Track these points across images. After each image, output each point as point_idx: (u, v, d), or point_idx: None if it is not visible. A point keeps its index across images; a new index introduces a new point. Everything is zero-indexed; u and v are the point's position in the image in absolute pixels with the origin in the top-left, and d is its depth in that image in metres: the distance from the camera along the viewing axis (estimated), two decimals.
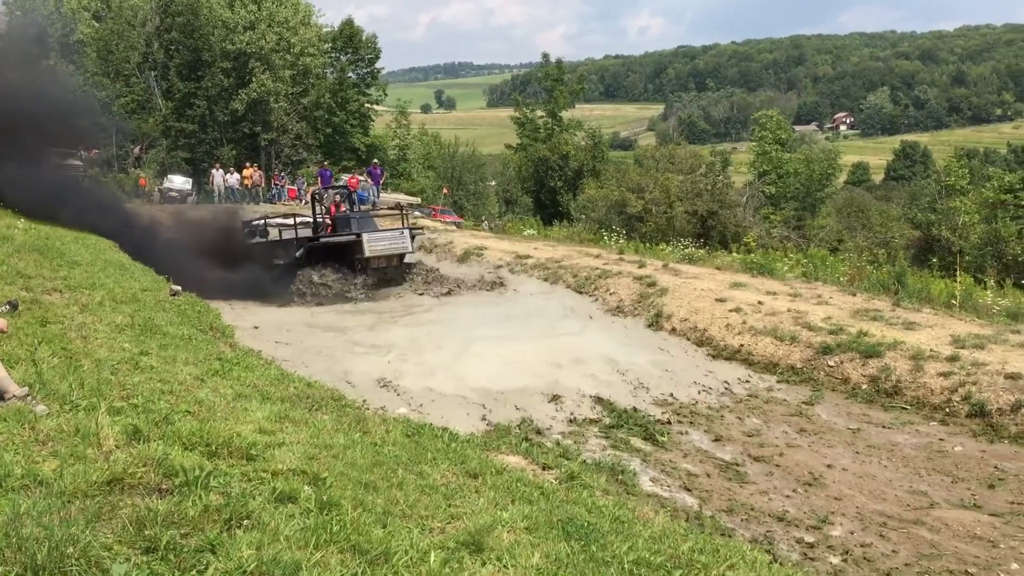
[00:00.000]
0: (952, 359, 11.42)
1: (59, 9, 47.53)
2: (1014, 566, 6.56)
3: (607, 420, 10.21)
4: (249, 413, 5.56)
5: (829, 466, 8.92)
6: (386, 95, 55.64)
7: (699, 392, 11.71)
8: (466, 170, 60.90)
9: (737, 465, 8.94)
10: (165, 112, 45.41)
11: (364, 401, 8.72)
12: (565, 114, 55.69)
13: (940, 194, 35.62)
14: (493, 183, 65.17)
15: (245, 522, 3.43)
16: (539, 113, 55.89)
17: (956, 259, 26.71)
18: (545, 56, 58.10)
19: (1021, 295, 16.44)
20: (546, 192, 46.42)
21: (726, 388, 11.98)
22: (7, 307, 7.22)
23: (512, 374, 11.69)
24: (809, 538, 7.07)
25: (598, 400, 10.96)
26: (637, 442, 9.48)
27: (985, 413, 10.28)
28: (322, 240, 19.77)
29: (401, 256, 20.06)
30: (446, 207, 44.50)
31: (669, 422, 10.28)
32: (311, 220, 20.78)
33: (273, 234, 21.12)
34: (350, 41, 52.06)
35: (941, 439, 9.81)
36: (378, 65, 53.80)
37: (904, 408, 11.00)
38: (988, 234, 31.02)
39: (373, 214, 23.00)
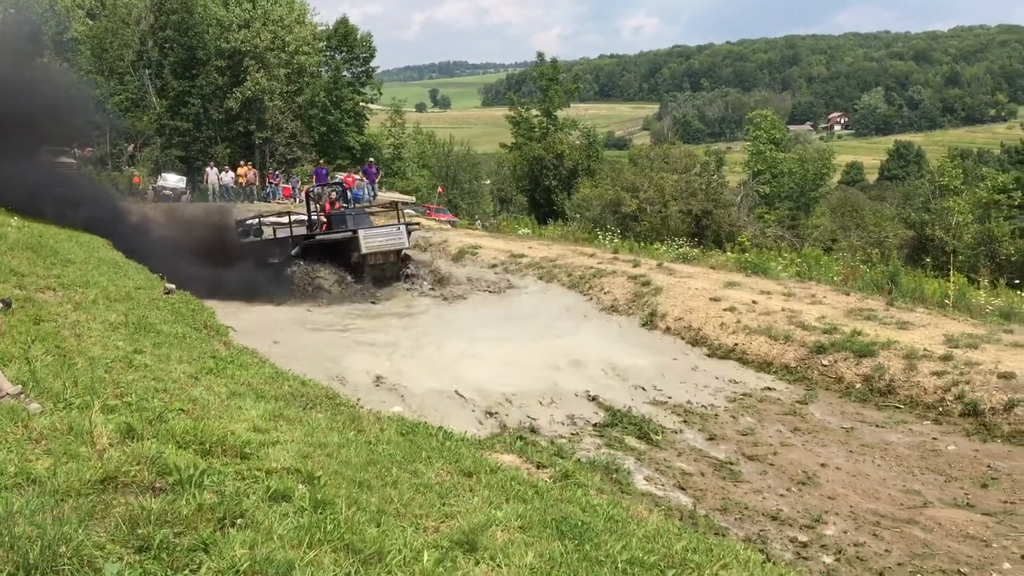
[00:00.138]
0: (945, 359, 11.45)
1: (53, 7, 47.37)
2: (1007, 565, 6.58)
3: (601, 419, 10.21)
4: (243, 411, 5.55)
5: (823, 465, 8.93)
6: (381, 94, 55.59)
7: (693, 391, 11.72)
8: (461, 169, 60.86)
9: (731, 464, 8.95)
10: (159, 110, 45.31)
11: (359, 400, 8.71)
12: (560, 113, 55.70)
13: (934, 194, 35.66)
14: (488, 182, 65.17)
15: (239, 521, 3.43)
16: (534, 112, 55.87)
17: (950, 259, 26.76)
18: (540, 55, 58.11)
19: (1014, 295, 16.46)
20: (541, 191, 46.43)
21: (720, 387, 11.99)
22: (0, 305, 7.20)
23: (507, 374, 11.69)
24: (802, 537, 7.08)
25: (592, 399, 10.96)
26: (631, 441, 9.49)
27: (978, 412, 10.30)
28: (318, 237, 19.66)
29: (398, 252, 19.93)
30: (441, 206, 44.47)
31: (661, 427, 10.28)
32: (305, 218, 20.69)
33: (267, 233, 20.96)
34: (345, 40, 52.00)
35: (934, 438, 9.84)
36: (373, 64, 53.83)
37: (898, 407, 11.02)
38: (981, 234, 31.09)
39: (368, 211, 22.91)
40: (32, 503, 3.24)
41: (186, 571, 2.97)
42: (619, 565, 3.90)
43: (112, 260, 13.67)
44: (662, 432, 9.85)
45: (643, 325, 15.64)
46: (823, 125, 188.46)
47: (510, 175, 55.16)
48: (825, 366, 12.49)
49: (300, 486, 4.06)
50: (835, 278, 18.13)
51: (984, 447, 9.53)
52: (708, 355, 13.83)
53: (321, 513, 3.71)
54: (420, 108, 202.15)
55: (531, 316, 16.30)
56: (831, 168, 62.58)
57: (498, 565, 3.61)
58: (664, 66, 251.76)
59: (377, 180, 35.34)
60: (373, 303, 18.26)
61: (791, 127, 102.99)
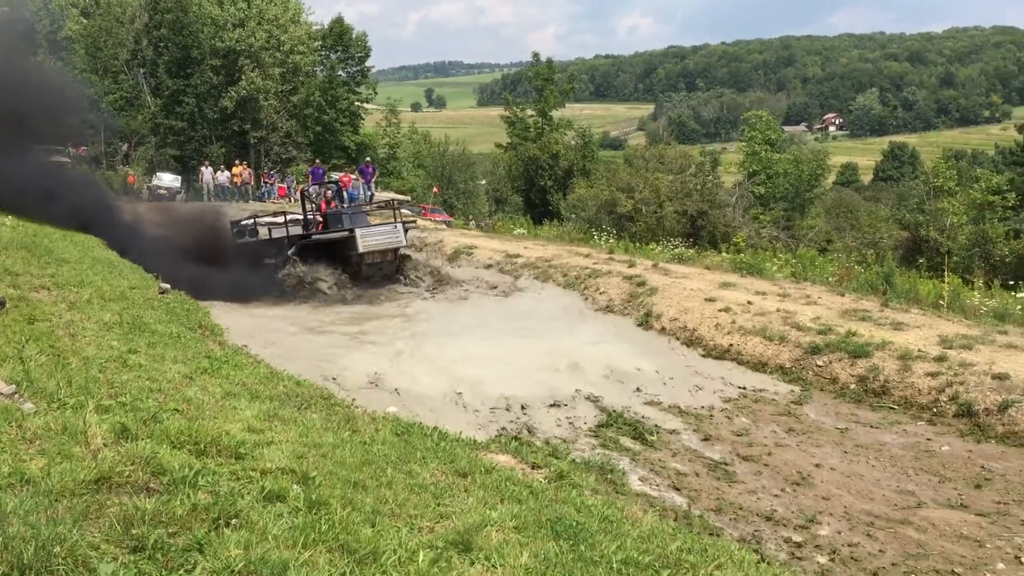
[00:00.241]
0: (940, 359, 11.48)
1: (47, 5, 47.32)
2: (1000, 566, 6.60)
3: (597, 420, 10.21)
4: (238, 412, 5.54)
5: (817, 465, 8.95)
6: (376, 93, 55.61)
7: (688, 391, 11.72)
8: (456, 169, 60.75)
9: (726, 464, 8.96)
10: (154, 109, 45.26)
11: (353, 400, 8.70)
12: (555, 113, 55.71)
13: (928, 195, 35.72)
14: (483, 182, 65.10)
15: (233, 521, 3.42)
16: (529, 112, 55.88)
17: (944, 260, 26.78)
18: (535, 55, 58.10)
19: (1008, 296, 16.50)
20: (536, 191, 46.45)
21: (715, 388, 12.01)
22: None
23: (503, 374, 11.68)
24: (797, 537, 7.09)
25: (588, 399, 10.96)
26: (626, 441, 9.50)
27: (972, 413, 10.33)
28: (314, 237, 19.58)
29: (395, 250, 19.84)
30: (436, 206, 44.43)
31: (656, 428, 10.29)
32: (301, 218, 20.60)
33: (263, 233, 20.85)
34: (340, 39, 51.99)
35: (928, 439, 9.86)
36: (368, 63, 53.88)
37: (892, 408, 11.04)
38: (976, 235, 31.13)
39: (364, 210, 22.83)
40: (26, 503, 3.23)
41: (181, 571, 2.97)
42: (614, 565, 3.91)
43: (107, 259, 13.64)
44: (657, 432, 9.86)
45: (638, 325, 15.65)
46: (818, 126, 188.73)
47: (505, 175, 55.14)
48: (820, 367, 12.51)
49: (295, 486, 4.05)
50: (830, 279, 18.16)
51: (978, 448, 9.56)
52: (703, 355, 13.84)
53: (316, 513, 3.71)
54: (415, 108, 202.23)
55: (527, 316, 16.30)
56: (826, 169, 62.80)
57: (493, 565, 3.61)
58: (659, 66, 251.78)
59: (373, 180, 35.31)
60: (370, 303, 18.22)
61: (786, 128, 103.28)
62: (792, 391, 11.86)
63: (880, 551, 6.89)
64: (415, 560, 3.43)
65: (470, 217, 45.68)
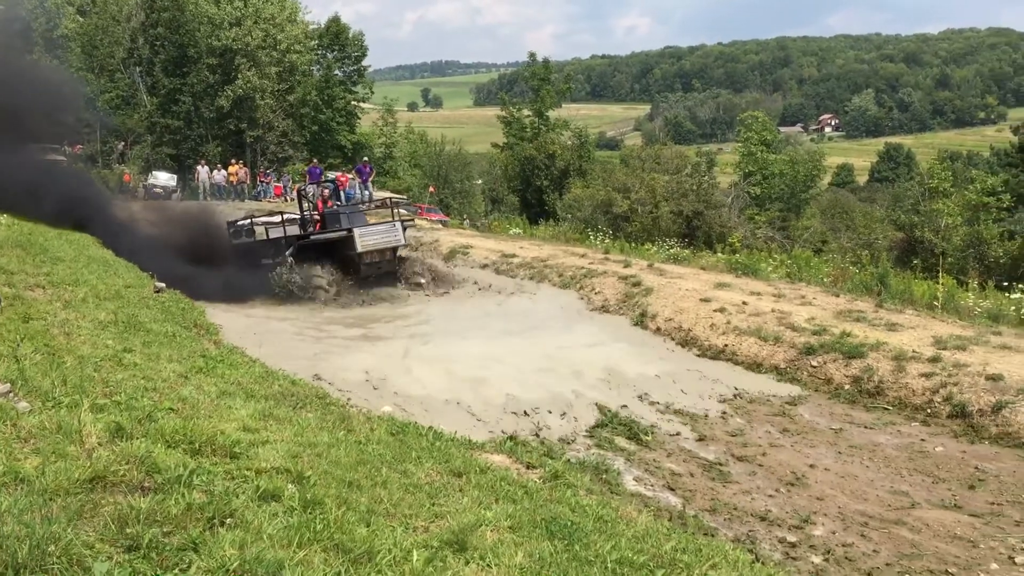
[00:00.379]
0: (934, 360, 11.50)
1: (43, 3, 47.23)
2: (994, 566, 6.62)
3: (593, 420, 10.22)
4: (233, 411, 5.54)
5: (811, 466, 8.96)
6: (372, 93, 55.55)
7: (683, 392, 11.73)
8: (452, 168, 60.83)
9: (720, 464, 8.97)
10: (150, 108, 45.20)
11: (349, 399, 8.70)
12: (552, 113, 55.72)
13: (923, 196, 35.76)
14: (480, 182, 65.14)
15: (228, 520, 3.42)
16: (526, 112, 55.88)
17: (939, 261, 26.84)
18: (532, 55, 58.15)
19: (1003, 297, 16.53)
20: (532, 191, 46.46)
21: (710, 388, 12.01)
22: None
23: (499, 374, 11.68)
24: (791, 538, 7.10)
25: (583, 398, 10.96)
26: (621, 441, 9.50)
27: (966, 414, 10.35)
28: (312, 237, 19.47)
29: (394, 250, 19.73)
30: (432, 205, 44.43)
31: (651, 428, 10.30)
32: (298, 217, 20.49)
33: (260, 233, 20.70)
34: (336, 38, 51.96)
35: (922, 439, 9.88)
36: (365, 63, 53.85)
37: (886, 408, 11.07)
38: (970, 236, 31.19)
39: (362, 209, 22.73)
40: (21, 502, 3.23)
41: (175, 570, 2.97)
42: (608, 565, 3.91)
43: (102, 258, 13.63)
44: (652, 433, 9.87)
45: (634, 325, 15.67)
46: (814, 127, 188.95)
47: (501, 175, 55.17)
48: (814, 367, 12.53)
49: (290, 486, 4.05)
50: (825, 279, 18.19)
51: (972, 448, 9.58)
52: (698, 356, 13.86)
53: (311, 513, 3.71)
54: (412, 107, 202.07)
55: (524, 316, 16.31)
56: (821, 170, 62.87)
57: (488, 565, 3.62)
58: (656, 67, 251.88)
59: (370, 179, 35.27)
60: (368, 303, 18.18)
61: (782, 128, 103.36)
62: (789, 392, 11.88)
63: (874, 551, 6.91)
64: (410, 560, 3.43)
65: (464, 216, 45.70)
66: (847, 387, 11.86)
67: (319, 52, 51.96)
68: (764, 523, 7.42)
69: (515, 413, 10.22)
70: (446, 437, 6.96)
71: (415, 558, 3.45)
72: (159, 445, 4.18)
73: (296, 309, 17.18)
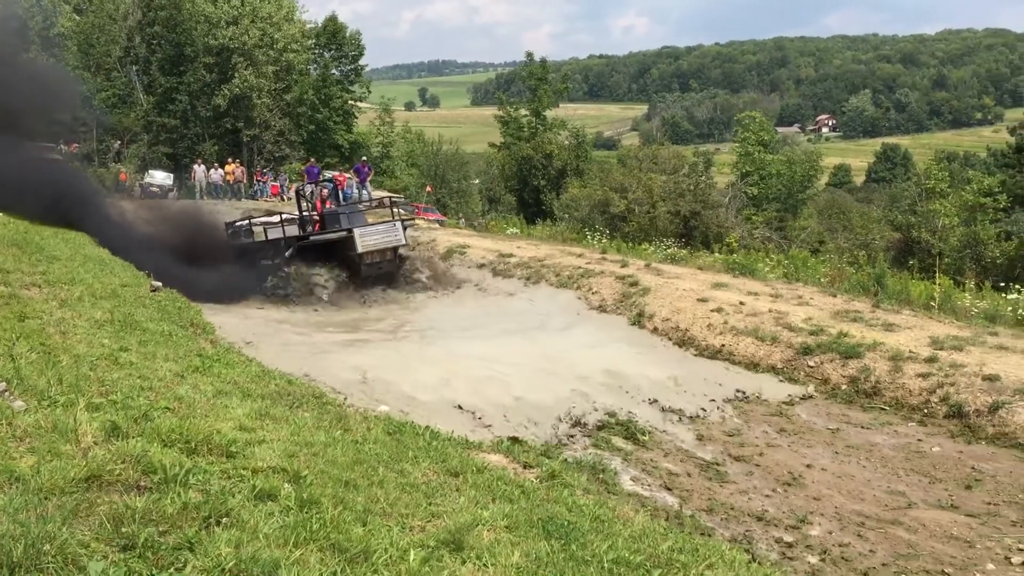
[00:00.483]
0: (931, 360, 11.51)
1: (39, 2, 47.14)
2: (990, 566, 6.63)
3: (590, 420, 10.21)
4: (229, 410, 5.53)
5: (808, 466, 8.97)
6: (370, 92, 55.52)
7: (680, 392, 11.73)
8: (449, 168, 60.81)
9: (717, 464, 8.98)
10: (146, 107, 45.12)
11: (345, 399, 8.69)
12: (549, 113, 55.64)
13: (920, 197, 35.78)
14: (477, 181, 65.12)
15: (224, 520, 3.42)
16: (523, 112, 55.81)
17: (935, 261, 26.85)
18: (529, 55, 58.00)
19: (999, 297, 16.55)
20: (529, 191, 46.44)
21: (707, 388, 12.01)
22: None
23: (496, 373, 11.68)
24: (788, 538, 7.11)
25: (582, 398, 10.96)
26: (618, 441, 9.51)
27: (963, 414, 10.37)
28: (312, 238, 19.38)
29: (395, 250, 19.66)
30: (429, 205, 44.39)
31: (648, 428, 10.30)
32: (297, 218, 20.38)
33: (258, 234, 20.55)
34: (334, 37, 51.93)
35: (919, 440, 9.89)
36: (362, 62, 53.83)
37: (883, 409, 11.08)
38: (967, 237, 31.20)
39: (361, 209, 22.64)
40: (16, 501, 3.22)
41: (171, 570, 2.96)
42: (605, 565, 3.91)
43: (98, 257, 13.60)
44: (649, 432, 9.87)
45: (631, 325, 15.67)
46: (811, 127, 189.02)
47: (499, 175, 55.10)
48: (811, 367, 12.55)
49: (286, 485, 4.04)
50: (822, 280, 18.19)
51: (968, 449, 9.59)
52: (696, 356, 13.86)
53: (307, 512, 3.70)
54: (409, 107, 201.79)
55: (522, 315, 16.31)
56: (819, 170, 62.78)
57: (484, 565, 3.61)
58: (653, 67, 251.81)
59: (368, 179, 35.23)
60: (367, 303, 18.15)
61: (779, 129, 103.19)
62: (787, 392, 11.89)
63: (871, 551, 6.91)
64: (406, 559, 3.42)
65: (460, 215, 45.68)
66: (844, 387, 11.87)
67: (316, 51, 51.93)
68: (761, 523, 7.43)
69: (515, 413, 10.21)
70: (443, 437, 6.95)
71: (411, 558, 3.44)
72: (155, 444, 4.17)
73: (295, 310, 17.19)
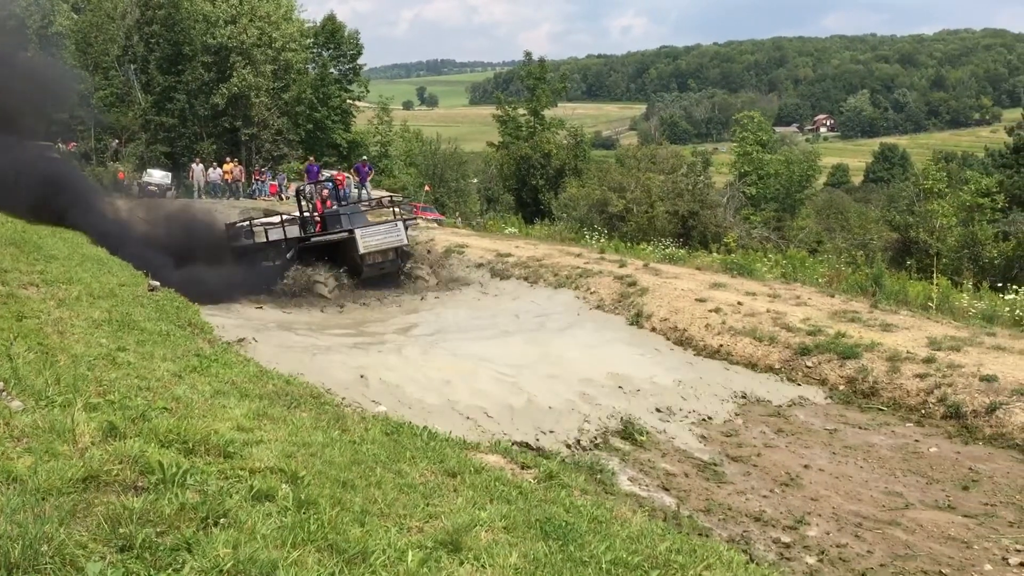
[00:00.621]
0: (928, 361, 11.53)
1: (37, 0, 47.04)
2: (987, 567, 6.64)
3: (592, 420, 10.21)
4: (227, 410, 5.53)
5: (806, 466, 8.98)
6: (368, 91, 55.46)
7: (678, 392, 11.73)
8: (448, 167, 60.73)
9: (715, 465, 8.98)
10: (144, 106, 45.01)
11: (343, 399, 8.69)
12: (547, 113, 55.60)
13: (918, 197, 35.77)
14: (475, 181, 65.05)
15: (222, 520, 3.41)
16: (521, 111, 55.76)
17: (933, 261, 26.90)
18: (528, 55, 57.95)
19: (997, 298, 16.57)
20: (528, 190, 46.44)
21: (705, 388, 12.01)
22: None
23: (495, 372, 11.67)
24: (785, 538, 7.11)
25: (582, 398, 10.95)
26: (616, 441, 9.51)
27: (960, 415, 10.38)
28: (313, 239, 19.31)
29: (396, 249, 19.59)
30: (428, 204, 44.36)
31: (645, 428, 10.30)
32: (298, 218, 20.30)
33: (259, 234, 20.45)
34: (332, 37, 51.86)
35: (917, 440, 9.90)
36: (360, 61, 53.68)
37: (881, 409, 11.09)
38: (965, 237, 31.21)
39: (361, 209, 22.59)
40: (13, 502, 3.21)
41: (169, 570, 2.96)
42: (603, 566, 3.91)
43: (96, 256, 13.59)
44: (646, 433, 9.87)
45: (630, 325, 15.67)
46: (809, 127, 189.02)
47: (497, 174, 55.10)
48: (809, 367, 12.56)
49: (284, 486, 4.04)
50: (820, 280, 18.22)
51: (965, 449, 9.61)
52: (694, 356, 13.87)
53: (305, 513, 3.70)
54: (407, 106, 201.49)
55: (520, 315, 16.31)
56: (817, 170, 62.83)
57: (482, 565, 3.61)
58: (652, 66, 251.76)
59: (369, 179, 35.18)
60: (368, 303, 18.12)
61: (777, 129, 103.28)
62: (785, 393, 11.90)
63: (868, 552, 6.92)
64: (404, 560, 3.42)
65: (458, 215, 45.65)
66: (842, 387, 11.89)
67: (314, 50, 51.86)
68: (759, 523, 7.43)
69: (509, 412, 10.20)
70: (440, 437, 6.95)
71: (409, 558, 3.44)
72: (153, 444, 4.16)
73: (295, 310, 17.17)
